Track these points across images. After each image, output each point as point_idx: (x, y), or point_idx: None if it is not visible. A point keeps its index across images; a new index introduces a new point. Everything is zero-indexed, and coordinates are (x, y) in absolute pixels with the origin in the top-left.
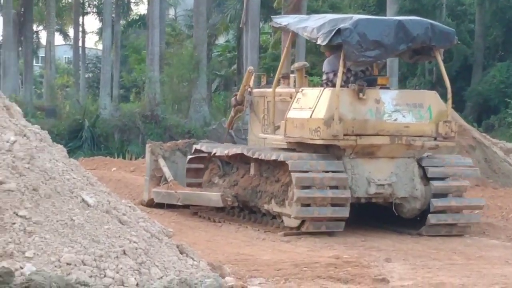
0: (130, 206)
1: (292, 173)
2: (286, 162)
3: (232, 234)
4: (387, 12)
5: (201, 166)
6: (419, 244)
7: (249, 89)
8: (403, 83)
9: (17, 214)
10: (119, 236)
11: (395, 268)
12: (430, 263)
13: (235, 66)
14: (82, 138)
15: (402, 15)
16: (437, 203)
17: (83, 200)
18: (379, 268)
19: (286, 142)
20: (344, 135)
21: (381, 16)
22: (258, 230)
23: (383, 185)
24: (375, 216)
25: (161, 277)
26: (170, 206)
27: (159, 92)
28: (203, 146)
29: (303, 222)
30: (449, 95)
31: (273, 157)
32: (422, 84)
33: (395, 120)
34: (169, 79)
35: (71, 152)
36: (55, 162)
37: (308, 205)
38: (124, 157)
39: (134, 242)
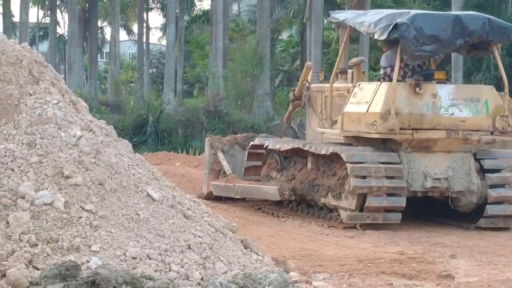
0: (194, 201)
1: (347, 164)
2: (341, 154)
3: (295, 229)
4: (452, 7)
5: (259, 162)
6: (484, 241)
7: (307, 85)
8: (468, 79)
9: (83, 208)
10: (184, 231)
11: (460, 264)
12: (496, 260)
13: (298, 62)
14: (146, 133)
15: (467, 10)
16: (494, 193)
17: (148, 194)
18: (444, 264)
19: (343, 136)
20: (401, 129)
21: (446, 11)
22: (322, 225)
23: (439, 179)
24: (430, 210)
25: (226, 272)
26: (228, 199)
27: (222, 88)
28: (261, 141)
29: (359, 214)
30: (506, 90)
31: (329, 151)
32: (487, 79)
33: (452, 114)
34: (232, 75)
35: (136, 147)
36: (120, 157)
37: (364, 196)
38: (187, 152)
39: (199, 236)
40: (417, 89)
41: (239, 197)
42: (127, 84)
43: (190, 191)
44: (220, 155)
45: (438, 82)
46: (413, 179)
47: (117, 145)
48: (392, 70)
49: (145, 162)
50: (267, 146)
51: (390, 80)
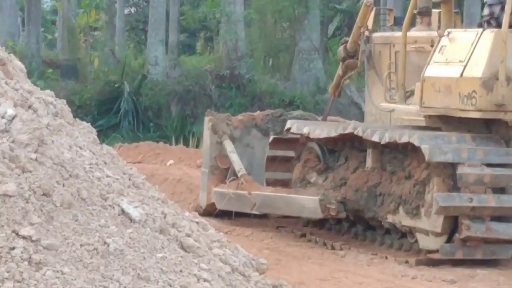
0: (197, 222)
1: (431, 165)
2: (420, 146)
3: (362, 268)
4: None
5: (290, 155)
6: None
7: (366, 33)
8: None
9: (17, 234)
10: (181, 271)
11: None
12: None
13: None
14: (120, 113)
15: None
16: None
17: (122, 211)
18: None
19: (424, 116)
20: None
21: None
22: (406, 262)
23: None
24: None
25: None
26: (241, 215)
27: (243, 39)
28: (293, 123)
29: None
30: None
31: (401, 139)
32: None
33: None
34: (259, 17)
35: (104, 135)
36: (77, 150)
37: (456, 217)
38: (186, 143)
39: (205, 280)
40: None
41: (257, 212)
42: (88, 32)
43: (191, 205)
44: (228, 145)
45: None
46: None
47: (72, 131)
48: (503, 8)
49: (118, 159)
50: (302, 133)
51: (499, 24)
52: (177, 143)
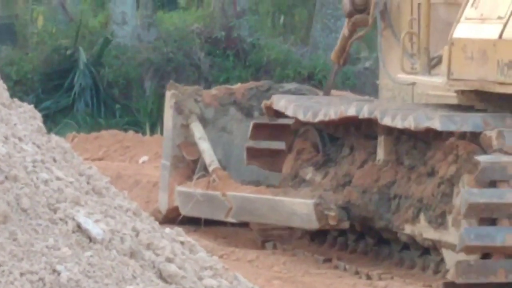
0: (182, 242)
1: (460, 155)
2: (443, 131)
3: None
4: None
5: (279, 146)
6: None
7: None
8: None
9: None
10: None
11: None
12: None
13: None
14: (73, 91)
15: None
16: None
17: (79, 227)
18: None
19: (454, 91)
20: None
21: None
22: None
23: None
24: None
25: None
26: (213, 223)
27: None
28: (282, 100)
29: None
30: None
31: (421, 124)
32: None
33: None
34: None
35: (52, 121)
36: (16, 143)
37: (493, 221)
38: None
39: None
40: None
41: (233, 220)
42: None
43: (184, 223)
44: (197, 130)
45: None
46: None
47: (9, 116)
48: None
49: (73, 155)
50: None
51: None
52: (152, 132)
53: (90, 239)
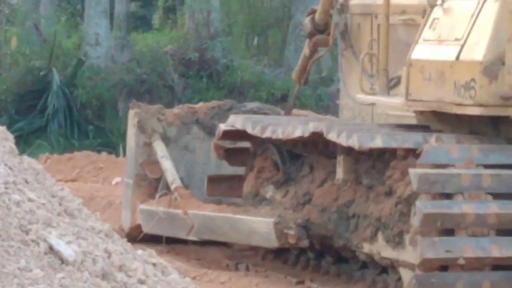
0: (154, 264)
1: (410, 169)
2: (397, 149)
3: None
4: None
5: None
6: None
7: (340, 0)
8: None
9: None
10: None
11: None
12: None
13: None
14: (46, 112)
15: None
16: None
17: (51, 249)
18: None
19: (414, 111)
20: None
21: None
22: None
23: None
24: None
25: None
26: (175, 241)
27: (217, 9)
28: (240, 119)
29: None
30: None
31: (376, 143)
32: None
33: None
34: None
35: (25, 142)
36: None
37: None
38: None
39: None
40: None
41: (195, 238)
42: (3, 0)
43: (146, 241)
44: (160, 148)
45: None
46: None
47: None
48: None
49: (45, 177)
50: (255, 133)
51: None
52: (125, 154)
53: (62, 260)
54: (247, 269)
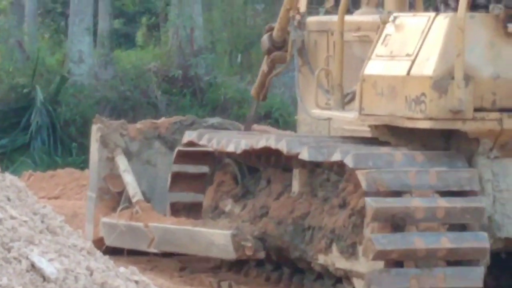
0: (137, 281)
1: (361, 179)
2: (346, 161)
3: None
4: None
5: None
6: None
7: (297, 18)
8: None
9: None
10: None
11: None
12: None
13: None
14: (30, 129)
15: None
16: None
17: (33, 266)
18: None
19: (369, 126)
20: (476, 110)
21: None
22: None
23: None
24: None
25: None
26: (136, 253)
27: (201, 27)
28: (202, 134)
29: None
30: None
31: (330, 157)
32: None
33: None
34: None
35: (8, 159)
36: None
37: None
38: None
39: None
40: (511, 26)
41: (155, 250)
42: None
43: (129, 258)
44: (122, 162)
45: None
46: (505, 215)
47: None
48: None
49: (27, 194)
50: (215, 148)
51: (455, 8)
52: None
53: (44, 278)
54: (230, 286)
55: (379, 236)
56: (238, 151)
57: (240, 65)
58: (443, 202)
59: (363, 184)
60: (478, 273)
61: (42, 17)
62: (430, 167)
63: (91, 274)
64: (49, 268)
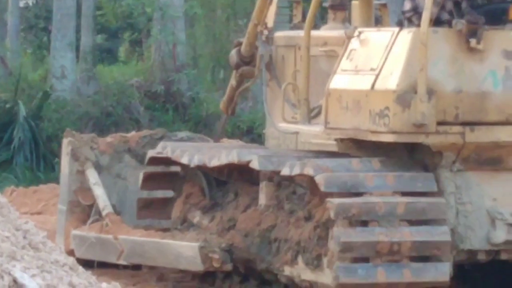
0: None
1: (328, 198)
2: (315, 177)
3: None
4: None
5: (168, 192)
6: None
7: (265, 33)
8: None
9: None
10: None
11: None
12: None
13: None
14: (12, 144)
15: None
16: None
17: (15, 282)
18: None
19: (335, 139)
20: (439, 123)
21: None
22: None
23: None
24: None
25: None
26: (106, 265)
27: (183, 42)
28: (171, 149)
29: None
30: None
31: (294, 170)
32: None
33: None
34: (205, 13)
35: None
36: None
37: (365, 260)
38: None
39: None
40: (473, 41)
41: (125, 262)
42: None
43: (112, 273)
44: (92, 176)
45: None
46: (468, 227)
47: None
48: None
49: (9, 210)
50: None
51: (419, 24)
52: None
53: None
54: None
55: (344, 231)
56: (221, 165)
57: (222, 80)
58: (403, 199)
59: (322, 187)
60: (445, 268)
61: (24, 33)
62: (388, 171)
63: None
64: (32, 283)
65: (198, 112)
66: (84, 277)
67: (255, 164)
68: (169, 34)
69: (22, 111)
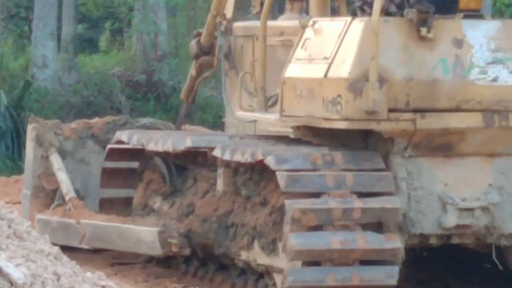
0: (104, 286)
1: (280, 180)
2: (266, 160)
3: None
4: None
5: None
6: None
7: (224, 23)
8: None
9: None
10: None
11: None
12: None
13: None
14: None
15: None
16: None
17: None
18: None
19: (292, 127)
20: (391, 110)
21: None
22: None
23: (472, 209)
24: (458, 271)
25: None
26: (69, 249)
27: (164, 32)
28: (130, 133)
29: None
30: None
31: (249, 156)
32: None
33: (494, 80)
34: (186, 2)
35: None
36: None
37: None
38: None
39: None
40: (424, 30)
41: (87, 246)
42: None
43: (100, 262)
44: (56, 161)
45: (466, 16)
46: (420, 212)
47: None
48: None
49: None
50: (142, 146)
51: (371, 13)
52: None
53: (11, 283)
54: None
55: (296, 236)
56: (179, 151)
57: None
58: (359, 203)
59: (282, 185)
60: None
61: (5, 22)
62: (348, 169)
63: (58, 279)
64: (16, 273)
65: (180, 101)
66: (68, 266)
67: (188, 143)
68: (150, 24)
69: (3, 100)
